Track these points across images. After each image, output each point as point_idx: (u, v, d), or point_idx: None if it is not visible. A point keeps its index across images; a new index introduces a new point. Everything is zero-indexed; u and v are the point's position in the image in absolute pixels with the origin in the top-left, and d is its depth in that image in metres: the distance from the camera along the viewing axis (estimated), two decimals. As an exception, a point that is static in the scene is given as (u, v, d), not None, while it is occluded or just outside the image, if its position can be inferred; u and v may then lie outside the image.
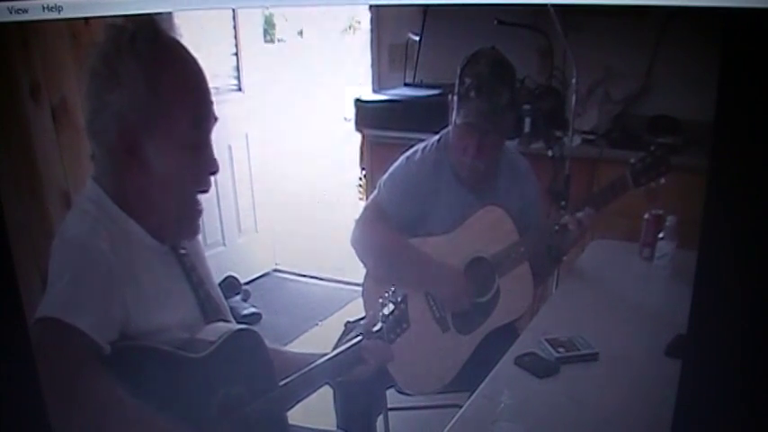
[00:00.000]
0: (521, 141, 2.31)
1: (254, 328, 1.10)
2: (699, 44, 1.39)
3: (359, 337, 1.19)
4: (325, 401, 1.56)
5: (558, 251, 1.60)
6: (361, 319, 1.42)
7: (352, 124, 2.77)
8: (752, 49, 0.56)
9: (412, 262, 1.58)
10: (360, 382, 1.20)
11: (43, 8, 0.75)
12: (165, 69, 0.95)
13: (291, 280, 3.49)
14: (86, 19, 0.79)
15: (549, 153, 2.06)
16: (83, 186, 1.04)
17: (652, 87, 2.43)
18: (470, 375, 1.44)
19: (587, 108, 2.44)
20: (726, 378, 0.63)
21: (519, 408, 1.03)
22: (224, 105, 2.89)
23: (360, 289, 1.64)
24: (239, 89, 3.22)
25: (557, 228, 1.54)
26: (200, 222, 1.07)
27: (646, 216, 1.75)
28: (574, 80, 2.16)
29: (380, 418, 1.71)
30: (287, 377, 1.10)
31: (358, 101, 2.69)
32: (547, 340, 1.35)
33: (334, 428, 1.56)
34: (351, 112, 2.72)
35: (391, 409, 1.76)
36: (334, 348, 1.20)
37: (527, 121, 2.32)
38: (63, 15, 0.76)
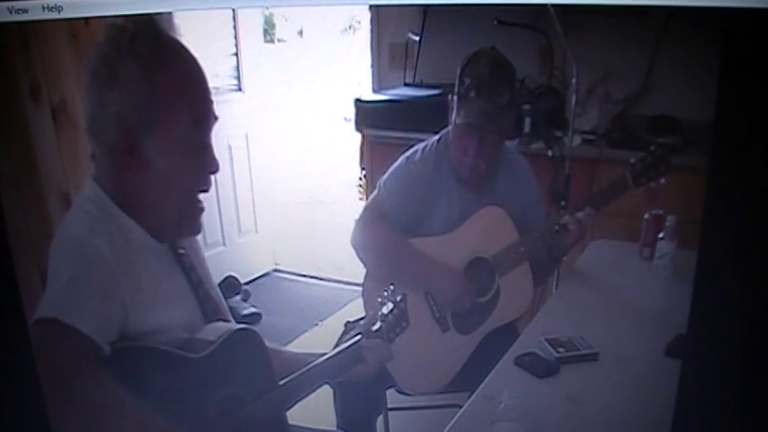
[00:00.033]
0: (521, 141, 2.31)
1: (254, 327, 1.10)
2: (699, 44, 1.39)
3: (358, 337, 1.19)
4: (326, 401, 1.56)
5: (558, 251, 1.60)
6: (362, 319, 1.42)
7: (352, 124, 2.77)
8: (752, 49, 0.56)
9: (412, 262, 1.58)
10: (360, 382, 1.21)
11: (43, 8, 0.75)
12: (164, 69, 0.95)
13: (291, 280, 3.49)
14: (86, 19, 0.79)
15: (549, 153, 2.06)
16: (83, 186, 1.04)
17: (652, 87, 2.43)
18: (470, 375, 1.44)
19: (587, 108, 2.44)
20: (726, 378, 0.63)
21: (519, 408, 1.03)
22: (224, 105, 2.88)
23: (360, 289, 1.64)
24: (239, 89, 3.22)
25: (557, 228, 1.54)
26: (202, 221, 1.07)
27: (646, 216, 1.75)
28: (574, 80, 2.16)
29: (380, 418, 1.71)
30: (286, 377, 1.10)
31: (358, 101, 2.69)
32: (547, 340, 1.35)
33: (334, 428, 1.56)
34: (351, 112, 2.72)
35: (391, 409, 1.76)
36: (334, 348, 1.20)
37: (527, 121, 2.32)
38: (63, 15, 0.76)
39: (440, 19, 2.68)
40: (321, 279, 3.46)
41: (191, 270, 1.11)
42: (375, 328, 1.21)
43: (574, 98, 2.18)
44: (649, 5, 0.61)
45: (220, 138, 1.03)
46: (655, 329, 1.38)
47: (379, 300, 1.24)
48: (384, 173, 1.67)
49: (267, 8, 5.17)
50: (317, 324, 2.98)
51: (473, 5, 0.78)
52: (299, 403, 1.12)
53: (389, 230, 1.60)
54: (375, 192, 1.67)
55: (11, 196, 1.45)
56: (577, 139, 2.34)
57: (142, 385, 0.91)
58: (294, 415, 1.14)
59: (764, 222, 0.59)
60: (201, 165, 1.02)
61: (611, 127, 2.44)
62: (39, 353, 0.77)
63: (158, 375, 0.95)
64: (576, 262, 1.80)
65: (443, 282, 1.57)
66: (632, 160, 1.52)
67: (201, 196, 1.05)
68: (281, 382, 1.10)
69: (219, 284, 1.22)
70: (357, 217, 1.67)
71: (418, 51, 2.79)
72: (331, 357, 1.16)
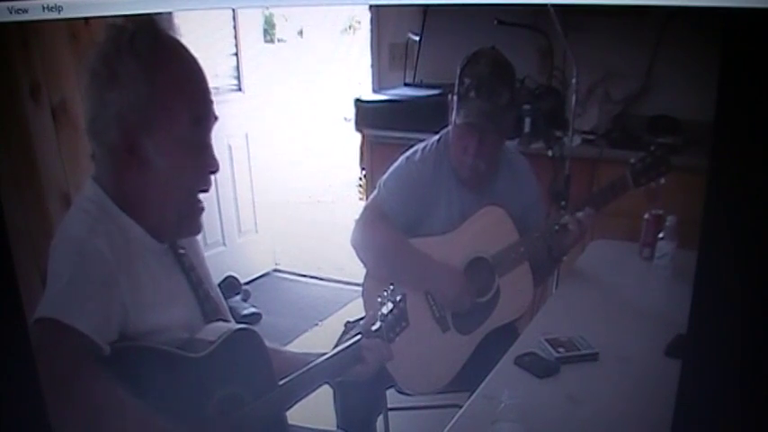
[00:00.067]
0: (521, 141, 2.31)
1: (254, 327, 1.10)
2: (699, 44, 1.39)
3: (358, 337, 1.19)
4: (326, 401, 1.56)
5: (558, 251, 1.60)
6: (362, 319, 1.42)
7: (352, 124, 2.77)
8: (752, 49, 0.56)
9: (412, 262, 1.58)
10: (360, 381, 1.21)
11: (43, 8, 0.75)
12: (164, 69, 0.95)
13: (291, 280, 3.49)
14: (86, 19, 0.79)
15: (549, 153, 2.06)
16: (83, 186, 1.04)
17: (652, 87, 2.43)
18: (470, 375, 1.44)
19: (587, 108, 2.44)
20: (726, 378, 0.63)
21: (519, 408, 1.03)
22: (224, 105, 2.88)
23: (360, 289, 1.64)
24: (239, 89, 3.22)
25: (557, 228, 1.54)
26: (202, 221, 1.07)
27: (646, 216, 1.75)
28: (574, 80, 2.16)
29: (380, 418, 1.71)
30: (286, 377, 1.10)
31: (358, 101, 2.69)
32: (547, 340, 1.35)
33: (334, 428, 1.56)
34: (351, 112, 2.72)
35: (391, 409, 1.76)
36: (334, 348, 1.20)
37: (527, 121, 2.32)
38: (63, 15, 0.76)
39: (440, 19, 2.68)
40: (321, 279, 3.46)
41: (190, 270, 1.11)
42: (375, 327, 1.21)
43: (574, 98, 2.18)
44: (649, 5, 0.61)
45: (220, 138, 1.03)
46: (655, 329, 1.38)
47: (379, 300, 1.24)
48: (384, 173, 1.67)
49: (267, 8, 5.17)
50: (317, 324, 2.98)
51: (473, 5, 0.78)
52: (299, 403, 1.12)
53: (389, 230, 1.60)
54: (375, 192, 1.67)
55: (11, 196, 1.45)
56: (577, 139, 2.34)
57: (142, 385, 0.91)
58: (294, 415, 1.14)
59: (764, 222, 0.59)
60: (201, 165, 1.02)
61: (611, 127, 2.44)
62: (38, 353, 0.77)
63: (158, 375, 0.95)
64: (575, 262, 1.80)
65: (443, 282, 1.57)
66: (632, 160, 1.52)
67: (201, 196, 1.05)
68: (281, 382, 1.10)
69: (219, 284, 1.22)
70: (357, 217, 1.67)
71: (418, 51, 2.79)
72: (331, 357, 1.16)
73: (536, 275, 1.61)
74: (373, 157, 2.74)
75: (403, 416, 1.85)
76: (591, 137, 2.41)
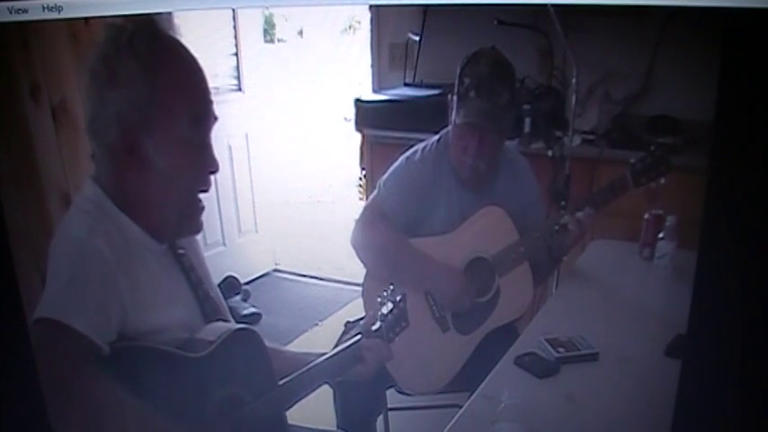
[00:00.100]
0: (521, 141, 2.31)
1: (254, 327, 1.10)
2: (699, 44, 1.39)
3: (358, 336, 1.19)
4: (326, 401, 1.56)
5: (558, 251, 1.60)
6: (362, 319, 1.42)
7: (352, 124, 2.77)
8: (752, 49, 0.56)
9: (412, 262, 1.58)
10: (360, 382, 1.21)
11: (43, 8, 0.75)
12: (164, 68, 0.95)
13: (291, 280, 3.49)
14: (86, 19, 0.79)
15: (549, 153, 2.06)
16: (82, 186, 1.04)
17: (652, 87, 2.43)
18: (470, 375, 1.44)
19: (587, 108, 2.44)
20: (726, 378, 0.63)
21: (519, 408, 1.03)
22: (224, 105, 2.88)
23: (360, 289, 1.64)
24: (239, 89, 3.22)
25: (557, 228, 1.54)
26: (202, 220, 1.07)
27: (646, 216, 1.75)
28: (574, 80, 2.16)
29: (380, 418, 1.71)
30: (286, 376, 1.10)
31: (358, 101, 2.69)
32: (547, 340, 1.35)
33: (334, 428, 1.56)
34: (351, 112, 2.72)
35: (391, 409, 1.76)
36: (334, 348, 1.20)
37: (527, 121, 2.32)
38: (63, 15, 0.76)
39: (440, 19, 2.68)
40: (321, 279, 3.46)
41: (190, 270, 1.11)
42: (375, 327, 1.21)
43: (574, 98, 2.18)
44: (649, 5, 0.61)
45: (220, 138, 1.03)
46: (655, 329, 1.38)
47: (379, 300, 1.24)
48: (384, 173, 1.67)
49: (267, 8, 5.17)
50: (317, 324, 2.98)
51: (473, 5, 0.78)
52: (299, 403, 1.12)
53: (389, 230, 1.60)
54: (375, 192, 1.67)
55: (11, 196, 1.45)
56: (577, 139, 2.34)
57: (142, 385, 0.91)
58: (294, 415, 1.14)
59: (764, 222, 0.59)
60: (201, 165, 1.02)
61: (611, 127, 2.44)
62: (38, 353, 0.77)
63: (158, 375, 0.95)
64: (576, 262, 1.80)
65: (443, 282, 1.57)
66: (632, 160, 1.52)
67: (201, 196, 1.05)
68: (281, 382, 1.10)
69: (219, 284, 1.22)
70: (357, 217, 1.67)
71: (418, 51, 2.79)
72: (331, 357, 1.16)
73: (536, 275, 1.61)
74: (373, 157, 2.74)
75: (403, 416, 1.85)
76: (591, 137, 2.41)
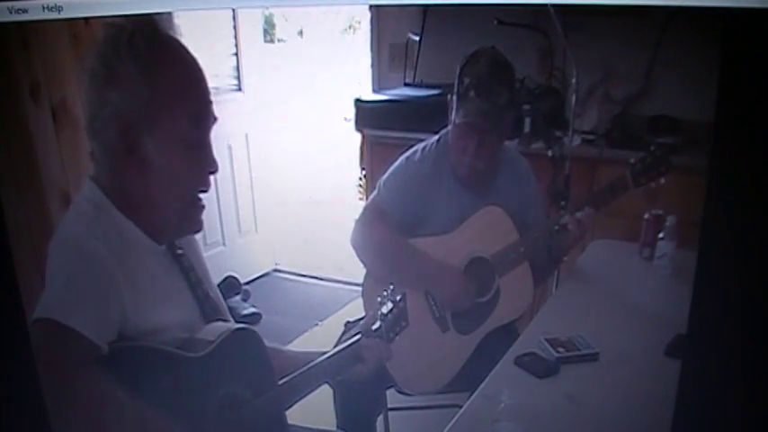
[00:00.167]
0: (521, 141, 2.31)
1: (254, 327, 1.10)
2: (699, 44, 1.40)
3: (358, 336, 1.19)
4: (326, 401, 1.56)
5: (558, 251, 1.60)
6: (362, 319, 1.42)
7: (352, 124, 2.77)
8: (752, 49, 0.56)
9: (412, 262, 1.58)
10: (360, 381, 1.21)
11: (43, 8, 0.75)
12: (163, 68, 0.95)
13: (291, 280, 3.49)
14: (86, 19, 0.79)
15: (549, 153, 2.06)
16: (81, 186, 1.04)
17: (652, 87, 2.43)
18: (470, 375, 1.44)
19: (587, 108, 2.44)
20: (726, 378, 0.63)
21: (519, 408, 1.03)
22: (224, 105, 2.89)
23: (360, 289, 1.64)
24: (239, 89, 3.22)
25: (557, 228, 1.54)
26: (202, 218, 1.07)
27: (646, 216, 1.75)
28: (574, 80, 2.16)
29: (380, 418, 1.71)
30: (286, 376, 1.10)
31: (358, 101, 2.69)
32: (547, 340, 1.35)
33: (334, 428, 1.56)
34: (351, 112, 2.73)
35: (391, 409, 1.76)
36: (334, 348, 1.20)
37: (527, 121, 2.32)
38: (63, 15, 0.76)
39: (440, 19, 2.68)
40: (321, 279, 3.46)
41: (189, 270, 1.11)
42: (375, 327, 1.21)
43: (574, 98, 2.18)
44: (649, 5, 0.61)
45: (220, 138, 1.03)
46: (655, 329, 1.38)
47: (379, 299, 1.24)
48: (384, 173, 1.67)
49: (267, 8, 5.17)
50: (317, 324, 2.98)
51: (473, 5, 0.78)
52: (299, 403, 1.12)
53: (389, 230, 1.60)
54: (375, 192, 1.67)
55: (11, 196, 1.45)
56: (577, 139, 2.34)
57: (141, 385, 0.91)
58: (294, 415, 1.14)
59: (764, 222, 0.59)
60: (201, 165, 1.02)
61: (611, 127, 2.45)
62: (38, 353, 0.77)
63: (158, 375, 0.95)
64: (576, 262, 1.80)
65: (443, 281, 1.57)
66: (632, 160, 1.52)
67: (201, 195, 1.05)
68: (281, 382, 1.10)
69: (219, 284, 1.22)
70: (357, 217, 1.67)
71: (418, 51, 2.80)
72: (330, 356, 1.16)
73: (536, 275, 1.61)
74: (373, 157, 2.74)
75: (403, 416, 1.85)
76: (591, 137, 2.41)
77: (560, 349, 1.33)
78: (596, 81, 2.45)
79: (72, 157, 1.68)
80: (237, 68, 3.19)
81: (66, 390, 0.86)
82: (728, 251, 0.61)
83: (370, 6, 2.99)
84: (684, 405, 0.65)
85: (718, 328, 0.62)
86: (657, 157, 1.50)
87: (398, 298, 1.23)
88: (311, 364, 1.14)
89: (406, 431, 1.96)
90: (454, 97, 1.57)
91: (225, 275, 3.03)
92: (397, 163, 1.66)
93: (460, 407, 1.23)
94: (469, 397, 1.26)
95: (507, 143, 1.70)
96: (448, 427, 1.14)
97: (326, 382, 1.24)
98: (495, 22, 2.27)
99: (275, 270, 3.54)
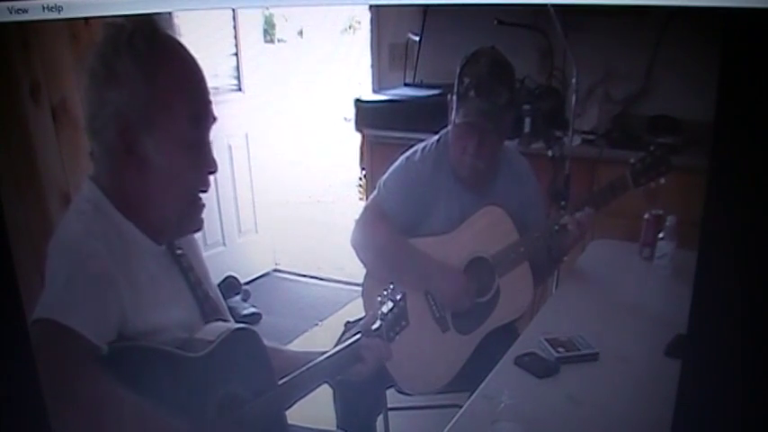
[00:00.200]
0: (521, 141, 2.31)
1: (254, 327, 1.10)
2: (699, 44, 1.40)
3: (358, 336, 1.19)
4: (326, 401, 1.56)
5: (558, 251, 1.60)
6: (362, 319, 1.42)
7: (352, 124, 2.77)
8: (752, 49, 0.56)
9: (412, 262, 1.58)
10: (360, 381, 1.21)
11: (43, 8, 0.75)
12: (162, 68, 0.95)
13: (291, 280, 3.49)
14: (86, 19, 0.79)
15: (549, 153, 2.06)
16: (81, 186, 1.04)
17: (652, 87, 2.43)
18: (470, 375, 1.44)
19: (587, 108, 2.44)
20: (726, 378, 0.63)
21: (519, 408, 1.03)
22: (224, 105, 2.89)
23: (360, 289, 1.64)
24: (239, 89, 3.22)
25: (557, 228, 1.54)
26: (203, 217, 1.07)
27: (646, 216, 1.75)
28: (574, 80, 2.16)
29: (380, 418, 1.71)
30: (285, 376, 1.10)
31: (358, 101, 2.69)
32: (547, 340, 1.35)
33: (334, 428, 1.56)
34: (351, 112, 2.73)
35: (391, 409, 1.76)
36: (334, 347, 1.20)
37: (527, 121, 2.32)
38: (63, 15, 0.76)
39: (440, 19, 2.68)
40: (321, 279, 3.46)
41: (189, 270, 1.11)
42: (375, 326, 1.21)
43: (574, 98, 2.18)
44: (649, 5, 0.61)
45: (220, 138, 1.03)
46: (655, 329, 1.38)
47: (379, 299, 1.24)
48: (384, 173, 1.67)
49: (267, 8, 5.17)
50: (317, 324, 2.98)
51: (473, 5, 0.78)
52: (299, 403, 1.12)
53: (389, 230, 1.60)
54: (375, 192, 1.67)
55: (11, 196, 1.45)
56: (577, 139, 2.34)
57: (141, 385, 0.91)
58: (294, 415, 1.14)
59: (764, 222, 0.59)
60: (200, 165, 1.02)
61: (611, 127, 2.45)
62: (37, 353, 0.77)
63: (157, 375, 0.95)
64: (576, 262, 1.80)
65: (443, 281, 1.57)
66: (632, 160, 1.52)
67: (201, 195, 1.05)
68: (281, 382, 1.10)
69: (219, 285, 1.22)
70: (357, 217, 1.67)
71: (418, 51, 2.79)
72: (330, 356, 1.16)
73: (536, 275, 1.61)
74: (373, 157, 2.74)
75: (403, 416, 1.85)
76: (591, 137, 2.41)
77: (560, 349, 1.33)
78: (596, 81, 2.45)
79: (72, 157, 1.68)
80: (237, 68, 3.19)
81: (66, 390, 0.86)
82: (728, 251, 0.61)
83: (370, 6, 2.99)
84: (684, 405, 0.65)
85: (718, 328, 0.62)
86: (657, 157, 1.50)
87: (399, 297, 1.23)
88: (311, 363, 1.14)
89: (406, 431, 1.96)
90: (454, 97, 1.57)
91: (225, 275, 3.03)
92: (397, 163, 1.66)
93: (460, 407, 1.23)
94: (469, 397, 1.26)
95: (507, 143, 1.70)
96: (448, 427, 1.14)
97: (326, 382, 1.24)
98: (495, 22, 2.27)
99: (275, 270, 3.54)
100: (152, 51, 0.94)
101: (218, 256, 3.11)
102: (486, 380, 1.28)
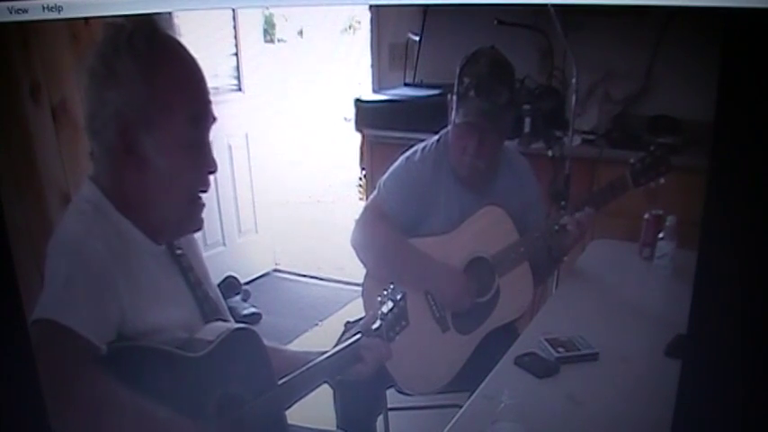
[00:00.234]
0: (521, 141, 2.31)
1: (254, 327, 1.10)
2: (699, 44, 1.39)
3: (358, 335, 1.19)
4: (326, 401, 1.55)
5: (558, 251, 1.60)
6: (362, 319, 1.42)
7: (352, 124, 2.77)
8: (752, 49, 0.56)
9: (412, 262, 1.58)
10: (359, 381, 1.21)
11: (43, 8, 0.75)
12: (162, 68, 0.95)
13: (291, 280, 3.49)
14: (86, 19, 0.79)
15: (549, 153, 2.06)
16: (81, 186, 1.04)
17: (652, 87, 2.43)
18: (470, 375, 1.44)
19: (587, 108, 2.44)
20: (726, 378, 0.63)
21: (519, 408, 1.03)
22: (224, 105, 2.89)
23: (360, 289, 1.64)
24: (239, 89, 3.22)
25: (557, 228, 1.54)
26: (203, 217, 1.07)
27: (646, 216, 1.75)
28: (574, 80, 2.16)
29: (380, 418, 1.71)
30: (285, 376, 1.10)
31: (358, 101, 2.69)
32: (547, 340, 1.35)
33: (334, 428, 1.56)
34: (351, 112, 2.73)
35: (391, 409, 1.76)
36: (334, 347, 1.20)
37: (527, 121, 2.32)
38: (63, 15, 0.76)
39: (440, 19, 2.68)
40: (321, 279, 3.46)
41: (189, 270, 1.11)
42: (375, 326, 1.21)
43: (574, 98, 2.18)
44: (649, 5, 0.61)
45: (220, 138, 1.03)
46: (655, 329, 1.38)
47: (379, 298, 1.24)
48: (384, 173, 1.67)
49: (267, 8, 5.17)
50: (317, 324, 2.98)
51: (473, 5, 0.78)
52: (299, 403, 1.12)
53: (389, 230, 1.60)
54: (375, 192, 1.67)
55: (11, 196, 1.45)
56: (577, 139, 2.34)
57: (141, 385, 0.91)
58: (294, 415, 1.14)
59: (764, 222, 0.59)
60: (200, 165, 1.02)
61: (611, 127, 2.44)
62: (37, 354, 0.77)
63: (157, 375, 0.95)
64: (576, 262, 1.80)
65: (443, 281, 1.57)
66: (632, 160, 1.52)
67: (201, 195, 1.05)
68: (280, 381, 1.10)
69: (219, 285, 1.22)
70: (357, 217, 1.67)
71: (418, 51, 2.79)
72: (330, 356, 1.16)
73: (536, 275, 1.61)
74: (373, 157, 2.74)
75: (403, 416, 1.85)
76: (591, 137, 2.41)
77: (560, 349, 1.33)
78: (596, 81, 2.45)
79: (72, 157, 1.68)
80: (237, 68, 3.19)
81: (66, 390, 0.86)
82: (728, 251, 0.61)
83: (370, 6, 2.99)
84: (684, 405, 0.65)
85: (718, 328, 0.62)
86: (657, 157, 1.50)
87: (399, 297, 1.23)
88: (311, 363, 1.14)
89: (406, 431, 1.96)
90: (454, 97, 1.57)
91: (225, 275, 3.03)
92: (397, 163, 1.66)
93: (460, 407, 1.23)
94: (469, 397, 1.26)
95: (507, 143, 1.70)
96: (448, 427, 1.14)
97: (326, 382, 1.24)
98: (495, 22, 2.27)
99: (275, 270, 3.54)
100: (152, 51, 0.94)
101: (218, 256, 3.11)
102: (487, 380, 1.28)
